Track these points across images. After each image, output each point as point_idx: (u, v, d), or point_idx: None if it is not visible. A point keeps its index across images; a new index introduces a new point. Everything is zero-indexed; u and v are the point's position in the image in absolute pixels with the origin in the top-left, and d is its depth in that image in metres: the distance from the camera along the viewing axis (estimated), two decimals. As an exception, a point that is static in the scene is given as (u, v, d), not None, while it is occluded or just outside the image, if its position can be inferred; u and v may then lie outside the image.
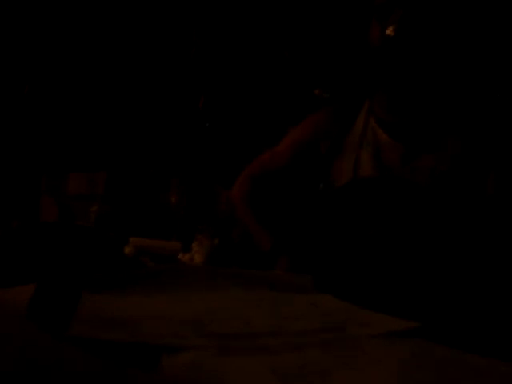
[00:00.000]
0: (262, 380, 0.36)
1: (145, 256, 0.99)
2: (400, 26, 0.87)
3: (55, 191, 1.92)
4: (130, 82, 2.11)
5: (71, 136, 2.07)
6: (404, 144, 0.96)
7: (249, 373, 0.37)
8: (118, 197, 1.90)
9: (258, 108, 2.06)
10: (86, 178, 1.96)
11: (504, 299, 0.60)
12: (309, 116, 1.13)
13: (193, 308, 0.53)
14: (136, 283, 0.64)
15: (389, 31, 0.87)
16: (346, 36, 1.75)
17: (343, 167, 1.00)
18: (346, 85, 1.71)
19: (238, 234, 1.25)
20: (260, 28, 2.05)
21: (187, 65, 2.09)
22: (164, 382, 0.36)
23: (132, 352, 0.40)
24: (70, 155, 2.04)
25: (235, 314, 0.51)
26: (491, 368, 0.41)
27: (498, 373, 0.40)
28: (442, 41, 0.93)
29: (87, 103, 2.10)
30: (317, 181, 0.97)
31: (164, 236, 1.35)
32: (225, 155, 2.02)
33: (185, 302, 0.55)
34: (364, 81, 0.97)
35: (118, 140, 2.10)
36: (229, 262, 1.10)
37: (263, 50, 2.07)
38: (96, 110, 2.11)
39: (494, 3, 1.38)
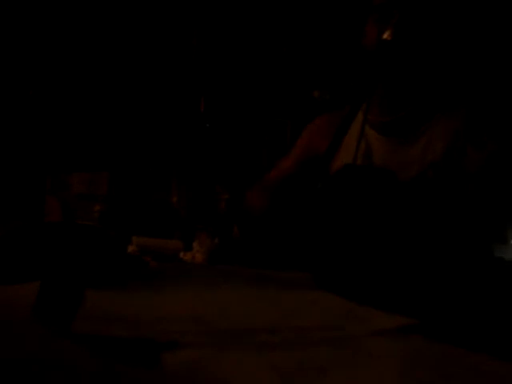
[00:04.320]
0: (262, 377, 0.37)
1: (147, 255, 0.99)
2: (397, 29, 0.86)
3: (58, 191, 1.93)
4: (131, 83, 2.12)
5: (74, 137, 2.08)
6: (394, 138, 0.96)
7: (249, 369, 0.37)
8: (121, 197, 1.91)
9: (258, 109, 2.07)
10: (89, 178, 1.96)
11: (504, 297, 0.60)
12: (307, 126, 1.14)
13: (193, 305, 0.53)
14: (138, 281, 0.65)
15: (386, 35, 0.87)
16: (344, 37, 1.75)
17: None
18: (345, 86, 1.71)
19: (237, 233, 1.25)
20: (260, 29, 2.05)
21: (188, 65, 2.10)
22: (164, 379, 0.36)
23: (133, 349, 0.40)
24: (73, 156, 2.05)
25: (235, 312, 0.51)
26: (491, 366, 0.41)
27: (498, 371, 0.40)
28: (439, 44, 0.93)
29: (90, 105, 2.11)
30: (315, 181, 0.97)
31: (165, 235, 1.36)
32: (225, 155, 2.03)
33: (186, 300, 0.55)
34: (360, 83, 0.98)
35: (121, 141, 2.11)
36: (229, 260, 1.10)
37: (263, 51, 2.07)
38: (99, 111, 2.11)
39: (491, 7, 1.38)
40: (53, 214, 1.75)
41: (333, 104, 1.85)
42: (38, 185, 1.83)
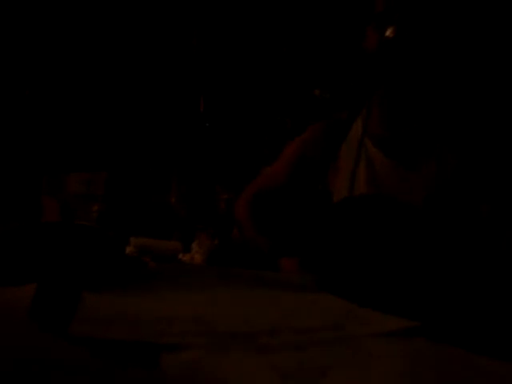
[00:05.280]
0: (262, 377, 0.36)
1: (146, 256, 0.99)
2: (399, 27, 0.87)
3: (56, 191, 1.92)
4: (130, 83, 2.12)
5: (72, 136, 2.07)
6: (399, 161, 0.96)
7: (249, 370, 0.37)
8: (119, 197, 1.91)
9: (258, 108, 2.07)
10: (87, 178, 1.96)
11: (505, 298, 0.60)
12: (307, 129, 1.13)
13: (193, 307, 0.53)
14: (136, 282, 0.64)
15: (388, 33, 0.87)
16: (344, 39, 1.75)
17: (339, 184, 1.00)
18: (345, 85, 1.71)
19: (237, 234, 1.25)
20: (260, 29, 2.06)
21: (187, 65, 2.10)
22: (163, 381, 0.36)
23: (132, 351, 0.40)
24: (71, 155, 2.04)
25: (235, 313, 0.51)
26: (492, 368, 0.41)
27: (499, 373, 0.40)
28: (442, 43, 0.92)
29: (89, 103, 2.11)
30: (314, 189, 0.97)
31: (164, 236, 1.36)
32: (225, 155, 2.03)
33: (185, 301, 0.55)
34: (360, 85, 0.97)
35: (119, 140, 2.10)
36: (229, 261, 1.10)
37: (263, 50, 2.07)
38: (97, 110, 2.11)
39: (493, 5, 1.37)
40: (51, 215, 1.74)
41: (333, 103, 1.85)
42: (35, 185, 1.83)
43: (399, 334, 0.47)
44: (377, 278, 0.71)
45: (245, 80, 2.07)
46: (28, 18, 1.97)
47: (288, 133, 1.96)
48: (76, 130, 2.05)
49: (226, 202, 1.75)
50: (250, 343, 0.43)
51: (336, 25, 1.84)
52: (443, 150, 0.94)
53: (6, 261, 0.65)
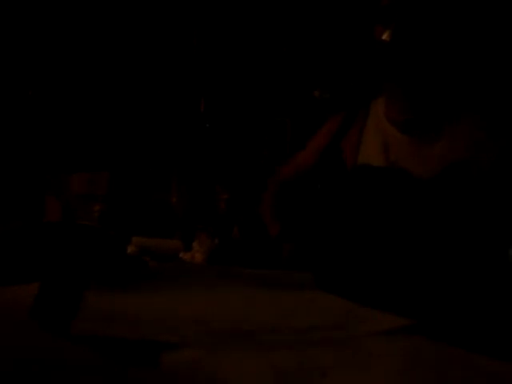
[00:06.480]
0: (262, 377, 0.37)
1: (147, 255, 0.99)
2: (395, 30, 0.86)
3: (58, 191, 1.93)
4: (131, 83, 2.12)
5: (74, 137, 2.08)
6: (415, 137, 0.95)
7: (249, 369, 0.37)
8: (121, 197, 1.91)
9: (258, 109, 2.07)
10: (89, 178, 1.96)
11: (504, 298, 0.60)
12: (325, 124, 1.13)
13: (193, 306, 0.53)
14: (138, 281, 0.64)
15: (384, 36, 0.86)
16: (349, 36, 1.74)
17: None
18: (345, 85, 1.71)
19: (237, 232, 1.25)
20: (260, 29, 2.06)
21: (188, 65, 2.10)
22: (164, 380, 0.36)
23: (132, 349, 0.40)
24: (73, 156, 2.05)
25: (235, 312, 0.51)
26: (490, 367, 0.41)
27: (498, 372, 0.40)
28: (440, 40, 0.92)
29: (90, 104, 2.11)
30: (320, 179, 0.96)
31: (165, 235, 1.36)
32: (225, 155, 2.03)
33: (185, 300, 0.55)
34: (370, 82, 0.97)
35: (121, 141, 2.11)
36: (229, 260, 1.10)
37: (263, 51, 2.07)
38: (98, 111, 2.11)
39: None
40: (52, 214, 1.74)
41: (333, 103, 1.85)
42: (37, 185, 1.83)
43: (399, 333, 0.47)
44: (376, 277, 0.71)
45: (245, 80, 2.07)
46: (30, 19, 1.97)
47: (288, 133, 1.97)
48: (78, 131, 2.06)
49: (225, 202, 1.75)
50: (250, 342, 0.43)
51: (336, 24, 1.83)
52: (457, 126, 0.93)
53: (9, 260, 0.65)
